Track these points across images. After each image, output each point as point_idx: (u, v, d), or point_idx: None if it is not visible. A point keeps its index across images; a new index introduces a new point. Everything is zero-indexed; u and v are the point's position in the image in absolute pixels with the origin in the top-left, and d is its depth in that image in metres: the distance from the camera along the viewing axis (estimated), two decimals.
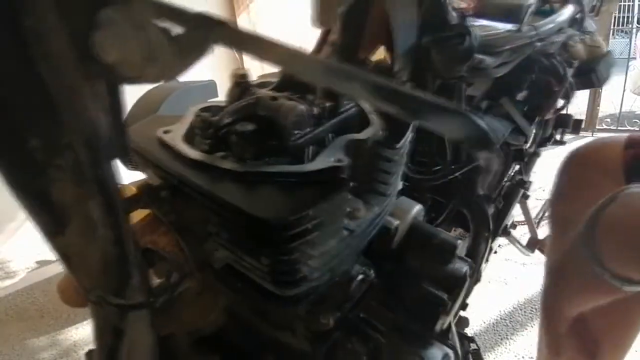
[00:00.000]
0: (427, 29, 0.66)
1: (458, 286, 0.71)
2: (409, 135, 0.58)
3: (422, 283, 0.70)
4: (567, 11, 1.03)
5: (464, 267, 0.72)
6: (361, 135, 0.53)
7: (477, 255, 0.98)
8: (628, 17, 4.37)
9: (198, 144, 0.49)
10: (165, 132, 0.51)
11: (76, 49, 0.23)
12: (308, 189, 0.45)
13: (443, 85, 0.81)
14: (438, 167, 0.89)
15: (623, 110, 3.53)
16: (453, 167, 0.83)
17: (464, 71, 0.69)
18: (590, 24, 1.20)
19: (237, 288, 0.57)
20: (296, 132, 0.47)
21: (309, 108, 0.48)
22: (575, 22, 1.12)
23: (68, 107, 0.26)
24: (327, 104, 0.52)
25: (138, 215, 0.53)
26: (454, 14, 0.67)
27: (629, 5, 4.28)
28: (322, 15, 0.51)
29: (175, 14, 0.28)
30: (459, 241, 0.73)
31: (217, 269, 0.54)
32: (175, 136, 0.50)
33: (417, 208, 0.75)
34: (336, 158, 0.47)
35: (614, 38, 4.21)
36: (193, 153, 0.47)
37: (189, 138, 0.50)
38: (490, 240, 1.00)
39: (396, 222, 0.69)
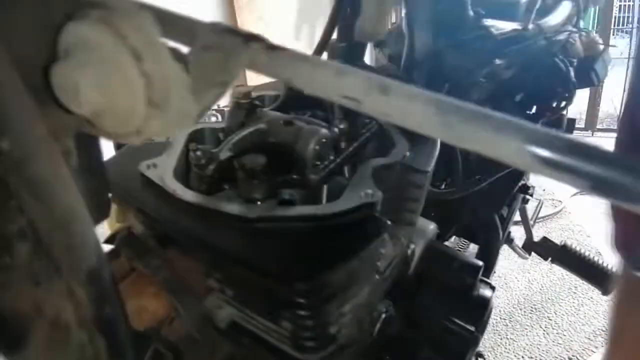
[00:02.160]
0: (444, 31, 0.58)
1: (485, 315, 0.64)
2: (436, 155, 0.50)
3: (446, 315, 0.63)
4: (565, 8, 0.99)
5: (488, 293, 0.66)
6: (388, 160, 0.44)
7: (489, 267, 0.92)
8: (628, 17, 4.42)
9: (194, 182, 0.39)
10: (150, 166, 0.41)
11: (31, 92, 0.13)
12: (338, 235, 0.36)
13: (450, 90, 0.75)
14: (448, 181, 0.82)
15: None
16: (472, 180, 0.76)
17: (482, 76, 0.62)
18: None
19: (245, 345, 0.48)
20: (317, 162, 0.39)
21: (330, 132, 0.39)
22: (570, 18, 1.08)
23: (23, 180, 0.16)
24: (346, 124, 0.44)
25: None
26: (471, 13, 0.59)
27: (629, 5, 4.30)
28: (375, 27, 0.43)
29: (182, 27, 0.19)
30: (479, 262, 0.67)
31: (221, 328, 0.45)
32: (164, 172, 0.40)
33: (432, 228, 0.68)
34: (366, 192, 0.39)
35: (614, 38, 4.20)
36: (190, 195, 0.37)
37: (181, 173, 0.40)
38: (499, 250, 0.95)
39: (412, 246, 0.61)
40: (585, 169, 0.13)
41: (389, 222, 0.38)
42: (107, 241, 0.48)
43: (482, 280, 0.67)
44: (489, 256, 0.89)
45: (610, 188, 0.12)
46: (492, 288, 0.68)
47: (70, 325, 0.23)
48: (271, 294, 0.36)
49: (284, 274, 0.33)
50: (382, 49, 0.90)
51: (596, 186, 0.12)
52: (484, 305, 0.64)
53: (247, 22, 2.49)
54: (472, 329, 0.62)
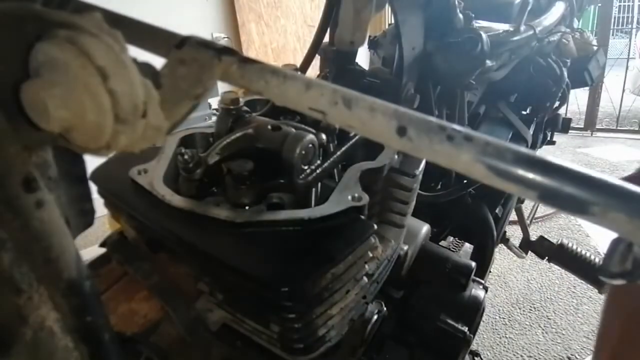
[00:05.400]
0: (433, 33, 0.59)
1: (477, 316, 0.65)
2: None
3: (439, 316, 0.63)
4: (559, 9, 0.99)
5: (480, 293, 0.67)
6: (376, 163, 0.45)
7: (483, 267, 0.92)
8: (628, 17, 4.37)
9: (183, 187, 0.40)
10: (140, 172, 0.42)
11: (2, 109, 0.14)
12: (324, 239, 0.37)
13: (442, 92, 0.75)
14: (440, 182, 0.83)
15: (623, 110, 3.40)
16: (463, 184, 0.76)
17: (473, 78, 0.63)
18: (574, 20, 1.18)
19: (237, 348, 0.48)
20: (304, 167, 0.39)
21: (317, 137, 0.40)
22: (564, 19, 1.08)
23: None
24: (334, 127, 0.44)
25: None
26: (460, 16, 0.60)
27: (628, 6, 4.25)
28: (352, 36, 0.43)
29: (159, 40, 0.19)
30: (473, 263, 0.67)
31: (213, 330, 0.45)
32: (154, 177, 0.40)
33: (425, 229, 0.68)
34: (353, 195, 0.39)
35: (614, 38, 4.11)
36: (179, 200, 0.37)
37: (170, 179, 0.41)
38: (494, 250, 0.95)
39: (405, 247, 0.62)
40: (534, 180, 0.13)
41: (375, 226, 0.39)
42: (102, 245, 0.49)
43: (475, 281, 0.68)
44: (484, 256, 0.89)
45: (557, 198, 0.13)
46: (485, 288, 0.68)
47: (55, 331, 0.24)
48: (259, 297, 0.36)
49: (270, 278, 0.34)
50: (376, 51, 0.91)
51: (543, 196, 0.13)
52: (477, 305, 0.64)
53: (247, 22, 2.49)
54: (465, 329, 0.62)
